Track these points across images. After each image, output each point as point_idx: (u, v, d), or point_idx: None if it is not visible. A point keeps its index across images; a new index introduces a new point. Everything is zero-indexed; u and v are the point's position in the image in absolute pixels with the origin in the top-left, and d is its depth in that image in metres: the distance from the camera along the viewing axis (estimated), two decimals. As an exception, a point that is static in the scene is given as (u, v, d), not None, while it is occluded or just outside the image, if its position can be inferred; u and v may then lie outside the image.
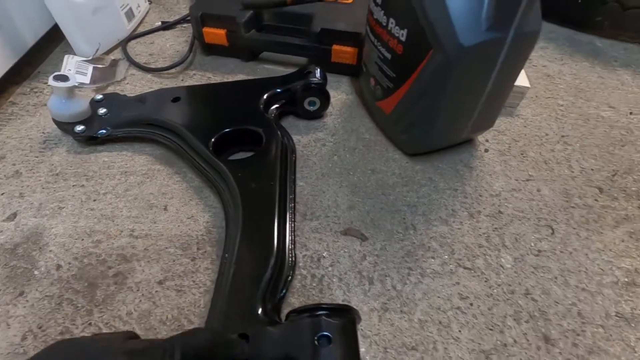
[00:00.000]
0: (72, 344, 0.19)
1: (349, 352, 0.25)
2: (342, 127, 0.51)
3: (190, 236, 0.39)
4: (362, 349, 0.32)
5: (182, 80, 0.57)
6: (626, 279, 0.37)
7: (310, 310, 0.27)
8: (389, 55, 0.41)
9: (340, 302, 0.34)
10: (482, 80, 0.37)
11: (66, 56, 0.58)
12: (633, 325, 0.34)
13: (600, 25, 0.68)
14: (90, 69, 0.57)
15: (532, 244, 0.39)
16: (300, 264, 0.37)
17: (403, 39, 0.38)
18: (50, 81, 0.43)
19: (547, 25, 0.72)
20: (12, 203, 0.41)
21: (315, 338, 0.25)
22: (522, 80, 0.52)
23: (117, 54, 0.62)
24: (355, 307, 0.33)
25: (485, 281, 0.36)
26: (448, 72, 0.36)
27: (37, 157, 0.46)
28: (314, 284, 0.36)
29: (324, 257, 0.38)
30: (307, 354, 0.25)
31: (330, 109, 0.53)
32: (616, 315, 0.34)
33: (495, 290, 0.36)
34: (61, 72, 0.45)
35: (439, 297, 0.35)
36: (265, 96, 0.47)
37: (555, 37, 0.69)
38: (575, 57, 0.64)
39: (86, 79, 0.57)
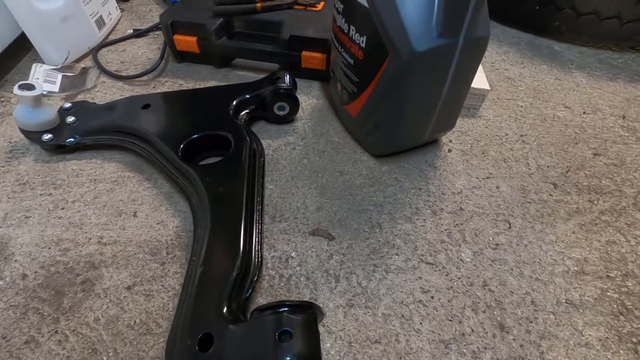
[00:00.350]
0: None
1: (309, 346, 0.27)
2: (312, 130, 0.52)
3: (160, 241, 0.39)
4: (327, 344, 0.33)
5: (154, 87, 0.58)
6: (576, 268, 0.39)
7: (273, 307, 0.28)
8: (351, 61, 0.43)
9: (302, 299, 0.35)
10: (438, 83, 0.39)
11: (34, 65, 0.58)
12: (581, 311, 0.36)
13: (559, 30, 0.72)
14: (59, 77, 0.57)
15: (491, 238, 0.41)
16: (269, 265, 0.38)
17: (363, 45, 0.40)
18: (16, 90, 0.43)
19: (510, 31, 0.75)
20: (-23, 214, 0.41)
21: (277, 334, 0.26)
22: (482, 83, 0.55)
23: (87, 62, 0.62)
24: (321, 304, 0.35)
25: (446, 275, 0.38)
26: (405, 76, 0.38)
27: (2, 166, 0.46)
28: (282, 284, 0.37)
29: (292, 257, 0.39)
30: (268, 350, 0.26)
31: (300, 113, 0.54)
32: (566, 302, 0.36)
33: (455, 283, 0.37)
34: (27, 81, 0.44)
35: (402, 291, 0.37)
36: (235, 102, 0.48)
37: (517, 41, 0.72)
38: (535, 60, 0.68)
39: (55, 87, 0.56)
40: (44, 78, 0.56)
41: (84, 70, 0.59)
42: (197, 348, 0.27)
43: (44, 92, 0.46)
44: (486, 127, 0.54)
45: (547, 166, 0.49)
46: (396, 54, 0.37)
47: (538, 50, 0.70)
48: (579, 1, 0.66)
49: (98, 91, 0.57)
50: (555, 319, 0.35)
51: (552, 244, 0.41)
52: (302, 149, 0.50)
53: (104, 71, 0.60)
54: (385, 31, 0.36)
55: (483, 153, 0.51)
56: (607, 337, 0.34)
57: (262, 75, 0.55)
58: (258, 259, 0.35)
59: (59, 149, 0.47)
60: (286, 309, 0.28)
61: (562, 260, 0.40)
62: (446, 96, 0.41)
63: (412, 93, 0.40)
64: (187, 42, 0.59)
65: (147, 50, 0.65)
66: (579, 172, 0.49)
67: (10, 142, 0.49)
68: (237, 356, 0.27)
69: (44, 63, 0.59)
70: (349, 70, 0.45)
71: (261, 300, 0.35)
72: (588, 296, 0.37)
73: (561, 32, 0.72)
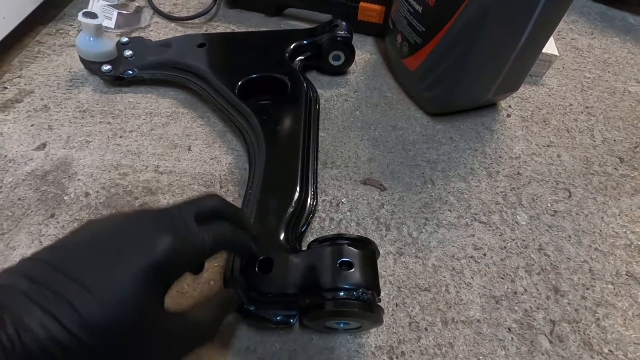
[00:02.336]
0: (100, 219, 0.21)
1: (369, 277, 0.27)
2: (364, 84, 0.51)
3: (214, 175, 0.40)
4: (376, 286, 0.33)
5: (206, 31, 0.57)
6: (639, 243, 0.37)
7: (332, 239, 0.28)
8: (419, 9, 0.41)
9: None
10: (516, 32, 0.37)
11: (92, -1, 0.58)
12: (643, 284, 0.34)
13: (636, 1, 0.66)
14: (115, 13, 0.57)
15: (549, 205, 0.39)
16: (320, 208, 0.38)
17: (437, -12, 0.38)
18: (80, 17, 0.43)
19: (579, 0, 0.70)
20: (42, 134, 0.42)
21: (337, 263, 0.27)
22: (550, 48, 0.51)
23: (141, 2, 0.61)
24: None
25: (500, 235, 0.37)
26: (483, 22, 0.35)
27: (64, 93, 0.47)
28: (332, 227, 0.37)
29: (342, 202, 0.38)
30: (328, 277, 0.26)
31: (353, 67, 0.52)
32: (626, 275, 0.35)
33: (509, 244, 0.36)
34: (90, 10, 0.45)
35: (453, 246, 0.36)
36: (291, 47, 0.47)
37: (587, 11, 0.67)
38: (606, 32, 0.63)
39: (111, 24, 0.57)
40: (101, 12, 0.57)
41: (138, 9, 0.59)
42: (257, 270, 0.28)
43: (102, 24, 0.47)
44: (549, 95, 0.51)
45: (614, 140, 0.46)
46: (476, -3, 0.34)
47: (610, 21, 0.65)
48: (667, -32, 0.59)
49: (152, 30, 0.57)
50: (614, 289, 0.34)
51: (614, 217, 0.39)
52: (354, 101, 0.48)
53: (157, 11, 0.59)
54: (467, -29, 0.34)
55: (544, 121, 0.48)
56: (669, 312, 0.33)
57: (314, 26, 0.54)
58: (313, 197, 0.35)
59: (116, 81, 0.48)
60: (346, 241, 0.28)
61: (624, 234, 0.38)
62: (521, 50, 0.39)
63: (486, 43, 0.37)
64: (242, -15, 0.57)
65: (199, -6, 0.64)
66: (649, 148, 0.46)
67: (70, 71, 0.50)
68: (297, 281, 0.27)
69: (100, -1, 0.59)
70: (414, 20, 0.42)
71: (312, 239, 0.35)
72: (651, 271, 0.35)
73: (638, 4, 0.66)
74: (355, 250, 0.27)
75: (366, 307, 0.25)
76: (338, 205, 0.38)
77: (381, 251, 0.35)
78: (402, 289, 0.33)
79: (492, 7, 0.34)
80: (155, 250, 0.19)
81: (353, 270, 0.26)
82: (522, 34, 0.37)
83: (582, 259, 0.36)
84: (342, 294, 0.25)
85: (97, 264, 0.18)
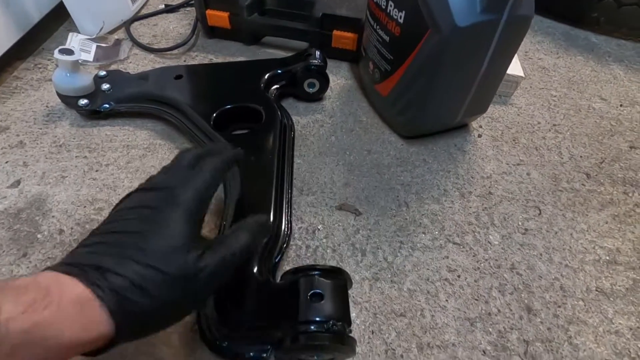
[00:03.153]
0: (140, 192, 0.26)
1: (340, 309, 0.27)
2: (340, 109, 0.52)
3: (190, 206, 0.40)
4: (352, 314, 0.33)
5: (185, 61, 0.58)
6: (607, 257, 0.38)
7: (304, 270, 0.29)
8: (387, 38, 0.43)
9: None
10: (476, 61, 0.39)
11: (70, 34, 0.59)
12: (612, 299, 0.35)
13: (596, 21, 0.69)
14: (93, 47, 0.58)
15: (520, 223, 0.41)
16: (296, 235, 0.38)
17: (401, 21, 0.39)
18: (56, 54, 0.44)
19: (544, 21, 0.73)
20: (16, 171, 0.42)
21: (308, 295, 0.27)
22: (517, 70, 0.53)
23: (120, 34, 0.63)
24: (347, 273, 0.35)
25: (474, 256, 0.38)
26: (444, 53, 0.37)
27: (40, 129, 0.47)
28: (309, 254, 0.37)
29: (318, 229, 0.39)
30: (300, 309, 0.26)
31: (329, 92, 0.54)
32: (596, 290, 0.36)
33: (482, 265, 0.37)
34: (66, 46, 0.46)
35: (428, 269, 0.36)
36: (266, 76, 0.49)
37: (552, 31, 0.70)
38: (571, 51, 0.66)
39: (90, 57, 0.57)
40: (79, 47, 0.58)
41: (117, 42, 0.60)
42: (229, 305, 0.28)
43: (80, 60, 0.47)
44: (518, 114, 0.53)
45: (581, 156, 0.48)
46: (436, 29, 0.36)
47: (574, 41, 0.68)
48: (621, -9, 0.63)
49: (130, 62, 0.58)
50: (585, 305, 0.35)
51: (583, 233, 0.40)
52: (330, 126, 0.50)
53: (136, 43, 0.60)
54: (427, 5, 0.36)
55: (514, 140, 0.50)
56: (638, 327, 0.33)
57: (290, 54, 0.55)
58: (287, 226, 0.36)
59: (93, 115, 0.48)
60: (317, 272, 0.28)
61: (593, 249, 0.39)
62: (483, 77, 0.40)
63: (449, 71, 0.39)
64: (219, 17, 0.59)
65: (177, 25, 0.66)
66: (614, 163, 0.47)
67: (47, 106, 0.50)
68: (269, 314, 0.27)
69: (79, 33, 0.60)
70: (383, 48, 0.44)
71: (289, 268, 0.36)
72: (619, 285, 0.36)
73: (599, 24, 0.70)
74: (326, 281, 0.28)
75: (337, 339, 0.25)
76: (314, 232, 0.39)
77: (357, 277, 0.36)
78: (378, 315, 0.33)
79: (450, 40, 0.36)
80: (180, 201, 0.24)
81: (324, 301, 0.27)
82: (481, 64, 0.38)
83: (553, 277, 0.37)
84: (312, 327, 0.26)
85: (145, 220, 0.23)
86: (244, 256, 0.25)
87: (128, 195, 0.26)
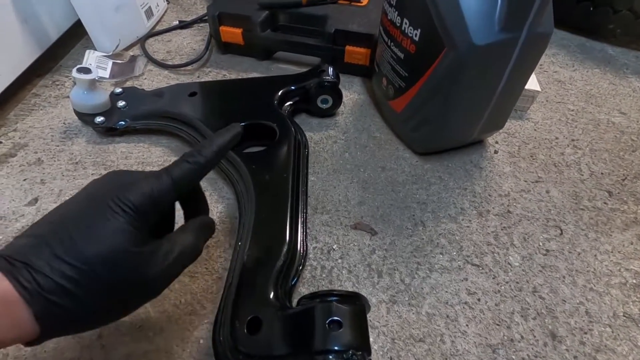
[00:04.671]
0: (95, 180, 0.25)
1: (359, 337, 0.26)
2: (353, 125, 0.52)
3: (204, 225, 0.40)
4: (370, 339, 0.32)
5: (198, 77, 0.59)
6: (634, 281, 0.37)
7: (321, 296, 0.28)
8: (401, 55, 0.42)
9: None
10: (493, 80, 0.38)
11: (87, 51, 0.60)
12: (641, 325, 0.34)
13: (613, 33, 0.68)
14: (110, 64, 0.59)
15: (541, 244, 0.39)
16: (311, 256, 0.38)
17: (416, 38, 0.39)
18: (74, 73, 0.45)
19: (559, 33, 0.72)
20: (34, 189, 0.43)
21: (326, 322, 0.26)
22: (533, 84, 0.53)
23: (135, 51, 0.64)
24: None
25: (493, 278, 0.37)
26: (460, 72, 0.37)
27: (57, 146, 0.48)
28: (324, 275, 0.36)
29: (334, 249, 0.38)
30: (318, 338, 0.26)
31: (342, 108, 0.54)
32: (624, 316, 0.34)
33: (503, 287, 0.36)
34: (84, 65, 0.46)
35: (446, 291, 0.35)
36: (279, 93, 0.49)
37: (567, 44, 0.69)
38: (587, 63, 0.65)
39: (106, 74, 0.58)
40: (96, 64, 0.59)
41: (133, 58, 0.61)
42: (245, 331, 0.27)
43: (97, 78, 0.48)
44: (535, 129, 0.52)
45: (602, 173, 0.47)
46: (453, 48, 0.36)
47: (590, 53, 0.67)
48: (638, 3, 0.62)
49: (145, 79, 0.59)
50: (612, 332, 0.33)
51: (607, 254, 0.39)
52: (343, 143, 0.49)
53: (151, 60, 0.61)
54: (443, 23, 0.35)
55: (531, 156, 0.49)
56: (670, 356, 0.32)
57: (303, 69, 0.55)
58: (303, 248, 0.35)
59: (109, 132, 0.48)
60: (335, 298, 0.27)
61: (618, 272, 0.37)
62: (500, 95, 0.40)
63: (465, 90, 0.39)
64: (232, 33, 0.60)
65: (191, 41, 0.66)
66: (637, 180, 0.46)
67: (64, 123, 0.51)
68: (285, 341, 0.27)
69: (96, 50, 0.61)
70: (397, 65, 0.44)
71: (304, 290, 0.35)
72: (648, 311, 0.35)
73: (615, 36, 0.69)
74: (344, 307, 0.27)
75: (356, 370, 0.25)
76: (329, 252, 0.38)
77: (374, 300, 0.35)
78: (396, 341, 0.32)
79: (467, 58, 0.35)
80: (126, 196, 0.23)
81: (342, 329, 0.26)
82: (499, 82, 0.38)
83: (577, 301, 0.35)
84: (331, 357, 0.25)
85: (86, 216, 0.22)
86: (187, 260, 0.25)
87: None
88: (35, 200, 0.42)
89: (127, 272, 0.22)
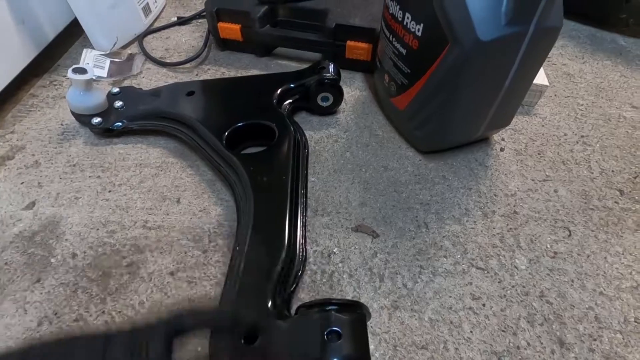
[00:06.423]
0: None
1: (358, 348, 0.25)
2: (355, 123, 0.50)
3: (202, 229, 0.39)
4: (371, 346, 0.31)
5: (197, 74, 0.58)
6: (647, 284, 0.35)
7: (320, 304, 0.27)
8: (404, 51, 0.41)
9: (350, 298, 0.34)
10: (500, 76, 0.36)
11: (85, 50, 0.59)
12: (653, 332, 0.33)
13: (625, 22, 0.66)
14: (107, 62, 0.58)
15: (548, 246, 0.38)
16: (311, 260, 0.37)
17: (419, 34, 0.38)
18: (69, 74, 0.44)
19: (567, 23, 0.70)
20: (31, 192, 0.42)
21: (325, 333, 0.25)
22: (540, 78, 0.51)
23: (133, 49, 0.63)
24: (365, 303, 0.33)
25: (499, 282, 0.36)
26: (465, 68, 0.35)
27: (55, 147, 0.47)
28: (324, 280, 0.36)
29: (334, 253, 0.37)
30: (316, 349, 0.25)
31: (343, 105, 0.52)
32: (635, 321, 0.33)
33: (508, 292, 0.35)
34: (80, 65, 0.45)
35: (450, 296, 0.35)
36: (278, 91, 0.47)
37: (576, 34, 0.67)
38: (597, 55, 0.62)
39: (103, 73, 0.58)
40: (93, 63, 0.58)
41: (131, 57, 0.60)
42: (242, 341, 0.27)
43: (94, 77, 0.47)
44: (542, 125, 0.51)
45: (612, 171, 0.45)
46: (457, 44, 0.34)
47: (600, 44, 0.65)
48: (653, -9, 0.60)
49: (144, 77, 0.58)
50: (624, 338, 0.32)
51: (618, 256, 0.37)
52: (344, 141, 0.48)
53: (149, 58, 0.60)
54: (447, 18, 0.34)
55: (539, 154, 0.47)
56: (683, 364, 0.31)
57: (302, 65, 0.54)
58: (302, 252, 0.34)
59: (106, 133, 0.48)
60: (334, 307, 0.27)
61: (630, 275, 0.36)
62: (507, 91, 0.38)
63: (470, 86, 0.37)
64: (230, 29, 0.58)
65: (190, 38, 0.65)
66: (650, 178, 0.44)
67: (62, 124, 0.50)
68: (282, 352, 0.26)
69: (93, 49, 0.60)
70: (399, 61, 0.42)
71: (303, 295, 0.34)
72: (661, 316, 0.33)
73: (628, 25, 0.66)
74: (343, 317, 0.26)
75: (356, 382, 0.24)
76: (330, 256, 0.37)
77: (375, 305, 0.34)
78: (398, 348, 0.32)
79: (472, 54, 0.34)
80: None
81: (341, 340, 0.25)
82: (506, 78, 0.36)
83: (586, 306, 0.34)
84: (330, 369, 0.24)
85: None
86: None
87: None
88: (33, 204, 0.41)
89: None
